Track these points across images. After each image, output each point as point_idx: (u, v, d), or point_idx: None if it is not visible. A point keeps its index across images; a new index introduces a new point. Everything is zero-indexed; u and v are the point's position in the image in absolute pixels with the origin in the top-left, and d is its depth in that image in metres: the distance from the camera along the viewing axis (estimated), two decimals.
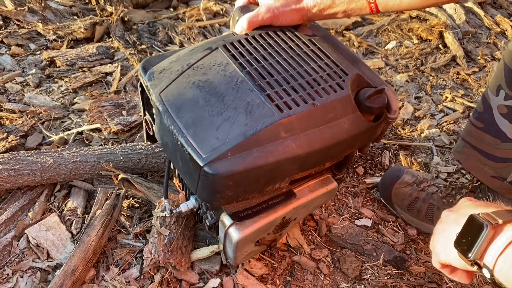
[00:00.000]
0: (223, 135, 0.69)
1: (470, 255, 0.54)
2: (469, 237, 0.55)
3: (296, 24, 0.91)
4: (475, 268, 0.56)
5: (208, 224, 0.88)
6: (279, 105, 0.71)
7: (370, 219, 1.19)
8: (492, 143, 1.02)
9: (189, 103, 0.74)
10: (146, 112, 0.93)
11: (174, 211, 0.92)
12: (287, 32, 0.88)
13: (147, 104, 0.92)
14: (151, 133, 0.96)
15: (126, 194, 1.11)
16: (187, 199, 0.98)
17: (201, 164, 0.66)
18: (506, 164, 1.02)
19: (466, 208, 0.62)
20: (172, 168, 1.03)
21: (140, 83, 0.86)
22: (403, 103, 1.57)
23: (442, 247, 0.62)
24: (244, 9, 0.91)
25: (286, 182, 0.80)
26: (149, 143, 1.14)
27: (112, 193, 1.09)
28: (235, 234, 0.81)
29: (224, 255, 1.02)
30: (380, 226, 1.18)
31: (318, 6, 0.88)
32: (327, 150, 0.76)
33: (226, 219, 0.81)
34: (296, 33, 0.88)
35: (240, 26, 0.87)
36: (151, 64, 0.84)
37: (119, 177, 1.11)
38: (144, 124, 0.98)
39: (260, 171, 0.70)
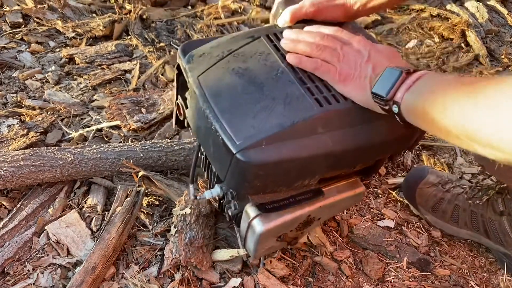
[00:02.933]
0: (259, 123, 0.67)
1: (385, 95, 0.63)
2: (386, 79, 0.65)
3: (340, 22, 0.89)
4: (384, 105, 0.65)
5: (230, 214, 0.86)
6: (319, 99, 0.70)
7: (393, 220, 1.17)
8: None
9: (227, 89, 0.73)
10: (179, 96, 0.92)
11: (198, 197, 0.90)
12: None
13: (181, 88, 0.91)
14: (181, 118, 0.94)
15: (146, 191, 1.10)
16: (210, 187, 0.96)
17: (234, 151, 0.65)
18: None
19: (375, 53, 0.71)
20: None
21: (177, 65, 0.85)
22: None
23: (354, 83, 0.70)
24: (288, 2, 0.90)
25: (316, 179, 0.78)
26: (177, 128, 1.10)
27: (132, 190, 1.09)
28: (259, 226, 0.79)
29: (243, 247, 1.00)
30: (403, 227, 1.15)
31: (360, 1, 0.86)
32: (362, 151, 0.74)
33: (250, 211, 0.80)
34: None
35: (283, 18, 0.86)
36: (191, 48, 0.83)
37: (139, 174, 1.10)
38: (175, 108, 0.96)
39: (292, 164, 0.68)
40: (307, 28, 0.81)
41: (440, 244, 1.14)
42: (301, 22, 0.86)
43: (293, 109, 0.68)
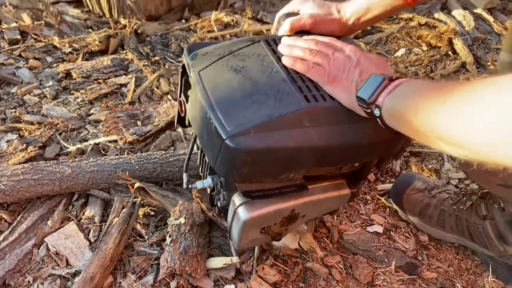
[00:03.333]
0: (250, 114, 0.73)
1: (368, 99, 0.69)
2: (370, 84, 0.71)
3: (337, 36, 0.94)
4: (367, 109, 0.70)
5: (219, 205, 0.91)
6: (308, 97, 0.75)
7: (382, 225, 1.20)
8: None
9: (224, 83, 0.79)
10: (182, 94, 0.97)
11: (190, 186, 0.95)
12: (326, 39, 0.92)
13: (185, 86, 0.96)
14: (183, 115, 0.99)
15: (142, 202, 1.14)
16: (203, 179, 1.00)
17: (224, 137, 0.70)
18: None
19: (363, 60, 0.77)
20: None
21: (182, 64, 0.91)
22: None
23: (342, 86, 0.76)
24: (288, 15, 0.97)
25: (301, 174, 0.82)
26: (179, 127, 1.15)
27: (129, 201, 1.12)
28: (243, 214, 0.83)
29: (229, 238, 1.03)
30: (391, 232, 1.19)
31: (355, 15, 0.92)
32: (346, 149, 0.78)
33: (237, 199, 0.84)
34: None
35: (283, 29, 0.93)
36: (196, 48, 0.90)
37: (135, 186, 1.14)
38: (178, 105, 1.01)
39: (278, 154, 0.73)
40: (304, 37, 0.86)
41: (428, 248, 1.18)
42: (299, 33, 0.92)
43: (283, 103, 0.74)
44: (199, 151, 1.02)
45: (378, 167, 0.97)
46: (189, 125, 0.98)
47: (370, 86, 0.71)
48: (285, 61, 0.81)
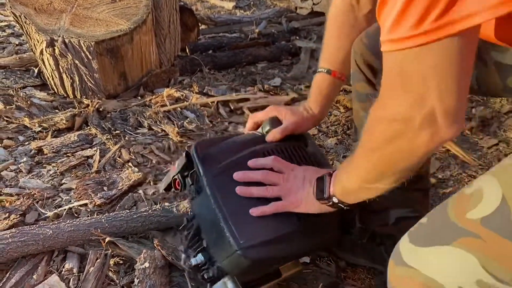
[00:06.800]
0: (258, 229, 0.92)
1: (325, 195, 0.92)
2: (320, 186, 0.94)
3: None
4: (329, 203, 0.92)
5: (206, 277, 1.04)
6: (300, 217, 0.99)
7: (309, 256, 1.51)
8: None
9: (235, 195, 0.96)
10: (179, 174, 1.13)
11: (187, 263, 1.12)
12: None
13: (184, 170, 1.11)
14: (174, 190, 1.17)
15: (112, 253, 1.38)
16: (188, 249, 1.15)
17: (236, 248, 0.88)
18: None
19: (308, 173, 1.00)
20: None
21: (187, 152, 1.07)
22: (333, 162, 1.94)
23: (306, 202, 0.97)
24: (274, 122, 1.16)
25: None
26: (163, 191, 1.31)
27: (101, 253, 1.37)
28: None
29: None
30: (317, 261, 1.49)
31: (319, 109, 1.20)
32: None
33: (230, 285, 0.99)
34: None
35: (272, 136, 1.12)
36: (203, 147, 1.06)
37: (106, 240, 1.39)
38: (172, 180, 1.16)
39: (277, 260, 1.00)
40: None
41: (345, 271, 1.48)
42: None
43: (283, 223, 0.96)
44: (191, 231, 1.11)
45: None
46: (169, 189, 1.20)
47: (320, 187, 0.94)
48: (254, 212, 0.96)
